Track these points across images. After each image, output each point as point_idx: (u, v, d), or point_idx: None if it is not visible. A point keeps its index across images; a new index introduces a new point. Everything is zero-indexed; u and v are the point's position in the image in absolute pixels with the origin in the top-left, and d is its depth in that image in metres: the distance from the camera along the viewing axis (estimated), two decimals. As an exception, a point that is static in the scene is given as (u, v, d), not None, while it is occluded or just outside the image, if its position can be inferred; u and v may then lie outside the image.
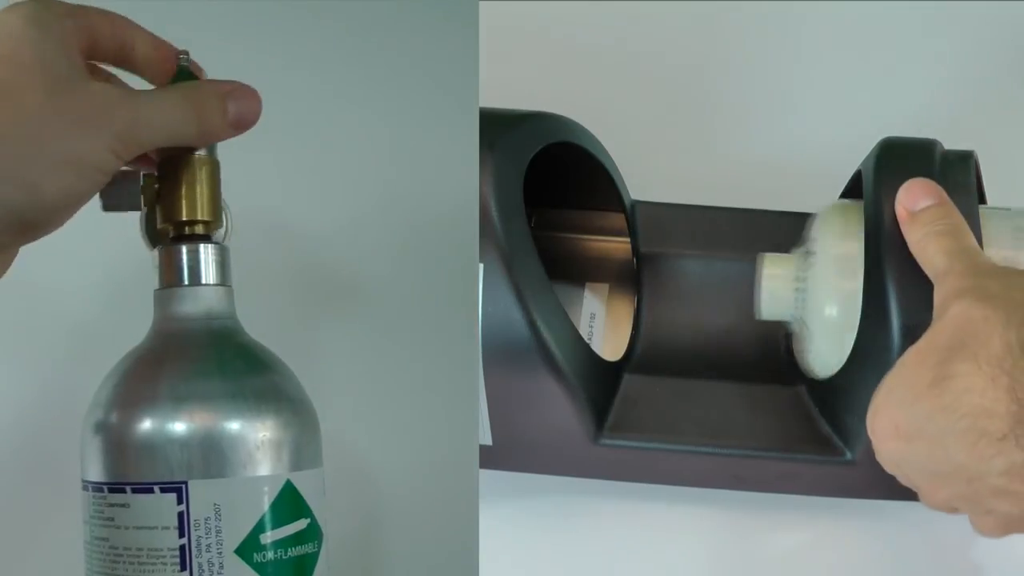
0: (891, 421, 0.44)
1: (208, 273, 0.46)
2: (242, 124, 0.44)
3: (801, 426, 0.55)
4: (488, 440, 0.55)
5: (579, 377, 0.53)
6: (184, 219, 0.46)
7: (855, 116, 0.73)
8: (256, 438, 0.44)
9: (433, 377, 0.62)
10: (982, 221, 0.51)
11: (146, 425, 0.43)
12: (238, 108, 0.44)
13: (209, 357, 0.45)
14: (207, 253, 0.46)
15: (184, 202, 0.45)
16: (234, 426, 0.44)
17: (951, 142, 0.54)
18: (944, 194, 0.50)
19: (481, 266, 0.51)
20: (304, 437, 0.46)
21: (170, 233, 0.46)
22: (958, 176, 0.51)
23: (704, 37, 0.80)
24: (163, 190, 0.45)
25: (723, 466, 0.55)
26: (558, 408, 0.53)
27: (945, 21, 0.78)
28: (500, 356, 0.52)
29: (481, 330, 0.52)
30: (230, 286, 0.47)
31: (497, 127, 0.54)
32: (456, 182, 0.57)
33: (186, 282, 0.46)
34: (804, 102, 0.76)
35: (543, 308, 0.52)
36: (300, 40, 0.63)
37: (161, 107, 0.42)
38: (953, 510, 0.46)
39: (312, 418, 0.48)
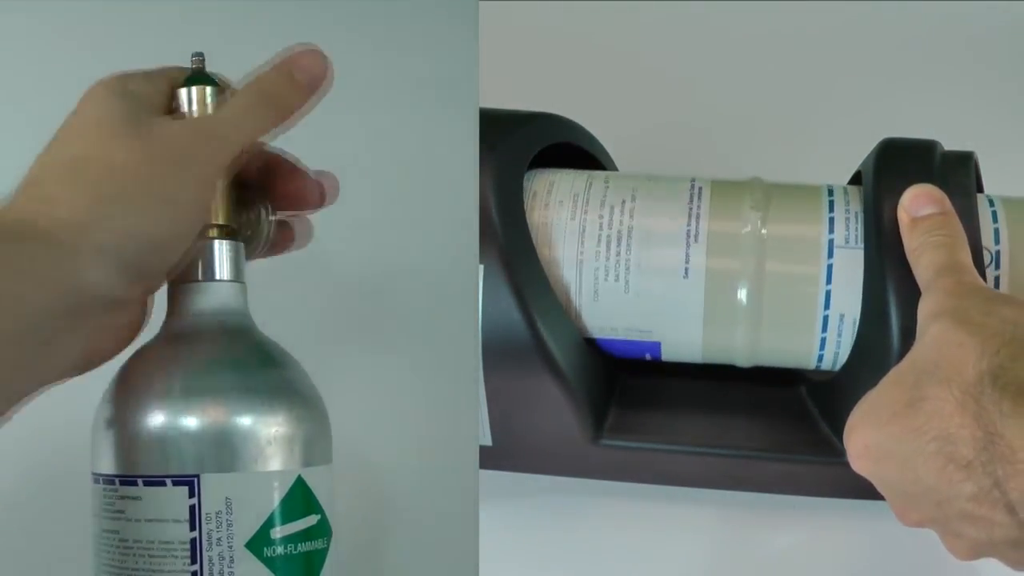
0: (862, 440, 0.45)
1: (222, 269, 0.47)
2: (314, 85, 0.45)
3: (801, 427, 0.56)
4: (488, 440, 0.55)
5: (579, 377, 0.53)
6: None
7: (855, 116, 0.73)
8: (268, 433, 0.44)
9: (433, 377, 0.62)
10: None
11: (159, 418, 0.43)
12: (305, 72, 0.45)
13: (222, 352, 0.45)
14: (221, 249, 0.46)
15: None
16: (246, 420, 0.44)
17: (951, 142, 0.54)
18: (948, 203, 0.50)
19: (481, 266, 0.51)
20: (315, 433, 0.46)
21: None
22: (958, 177, 0.51)
23: (704, 37, 0.80)
24: None
25: (723, 467, 0.55)
26: (558, 408, 0.53)
27: (945, 21, 0.79)
28: (500, 356, 0.52)
29: (481, 330, 0.52)
30: (243, 282, 0.48)
31: (497, 127, 0.54)
32: (456, 182, 0.57)
33: (199, 277, 0.46)
34: (804, 102, 0.76)
35: (543, 308, 0.52)
36: (299, 40, 0.63)
37: (240, 116, 0.44)
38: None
39: (323, 414, 0.48)
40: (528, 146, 0.55)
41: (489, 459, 0.56)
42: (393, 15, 0.64)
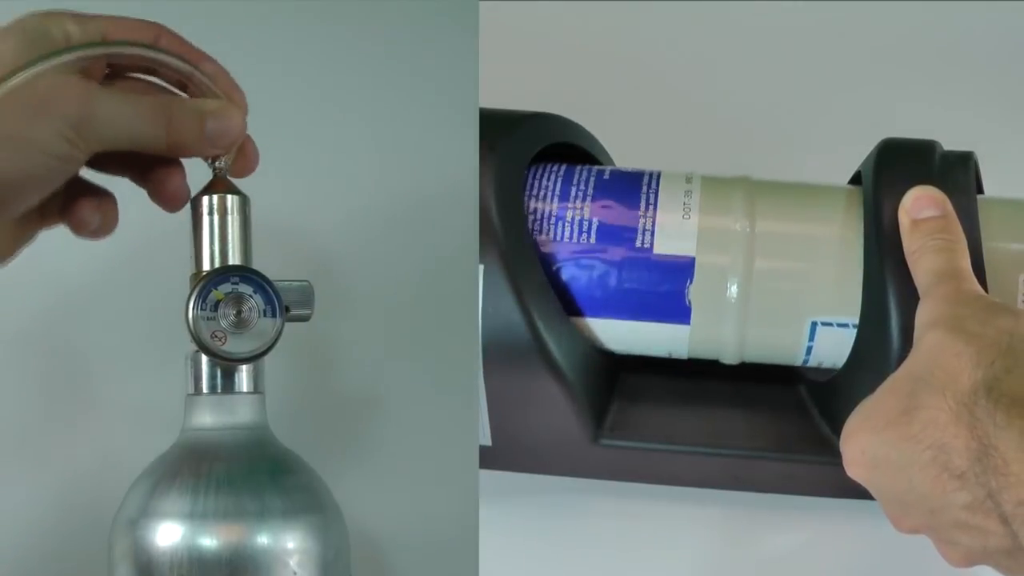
0: (858, 446, 0.45)
1: (240, 381, 0.46)
2: (220, 142, 0.45)
3: (801, 426, 0.56)
4: (488, 440, 0.55)
5: (579, 377, 0.53)
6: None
7: (855, 116, 0.73)
8: (285, 559, 0.44)
9: (433, 377, 0.62)
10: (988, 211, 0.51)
11: (175, 543, 0.43)
12: (217, 126, 0.44)
13: (239, 472, 0.45)
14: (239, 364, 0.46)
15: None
16: (263, 545, 0.44)
17: (951, 142, 0.54)
18: (950, 206, 0.50)
19: (481, 266, 0.51)
20: (332, 552, 0.46)
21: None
22: (957, 177, 0.51)
23: (704, 37, 0.80)
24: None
25: (723, 467, 0.55)
26: (558, 408, 0.53)
27: (945, 21, 0.79)
28: (500, 356, 0.52)
29: (481, 330, 0.52)
30: (262, 392, 0.47)
31: (497, 127, 0.54)
32: (456, 182, 0.57)
33: (218, 390, 0.46)
34: (804, 102, 0.76)
35: (543, 308, 0.52)
36: (300, 40, 0.63)
37: (128, 107, 0.43)
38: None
39: (342, 529, 0.47)
40: (528, 146, 0.55)
41: (489, 459, 0.56)
42: (393, 15, 0.63)
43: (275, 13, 0.63)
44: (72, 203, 0.46)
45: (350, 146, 0.63)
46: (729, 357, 0.55)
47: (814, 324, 0.53)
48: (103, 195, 0.47)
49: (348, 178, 0.63)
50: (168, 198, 0.46)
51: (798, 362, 0.55)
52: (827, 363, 0.54)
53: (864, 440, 0.44)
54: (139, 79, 0.46)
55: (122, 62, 0.45)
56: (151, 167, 0.46)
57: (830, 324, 0.53)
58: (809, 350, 0.54)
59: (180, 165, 0.46)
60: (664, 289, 0.53)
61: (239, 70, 0.47)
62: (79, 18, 0.44)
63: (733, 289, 0.52)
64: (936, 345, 0.43)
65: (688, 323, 0.54)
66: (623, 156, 0.60)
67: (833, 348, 0.53)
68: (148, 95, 0.44)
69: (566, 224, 0.54)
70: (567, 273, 0.53)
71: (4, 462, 0.60)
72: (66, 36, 0.43)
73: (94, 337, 0.61)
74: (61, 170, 0.42)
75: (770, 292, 0.52)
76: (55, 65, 0.42)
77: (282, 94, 0.62)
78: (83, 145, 0.42)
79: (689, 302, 0.53)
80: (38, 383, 0.61)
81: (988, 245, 0.50)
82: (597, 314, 0.54)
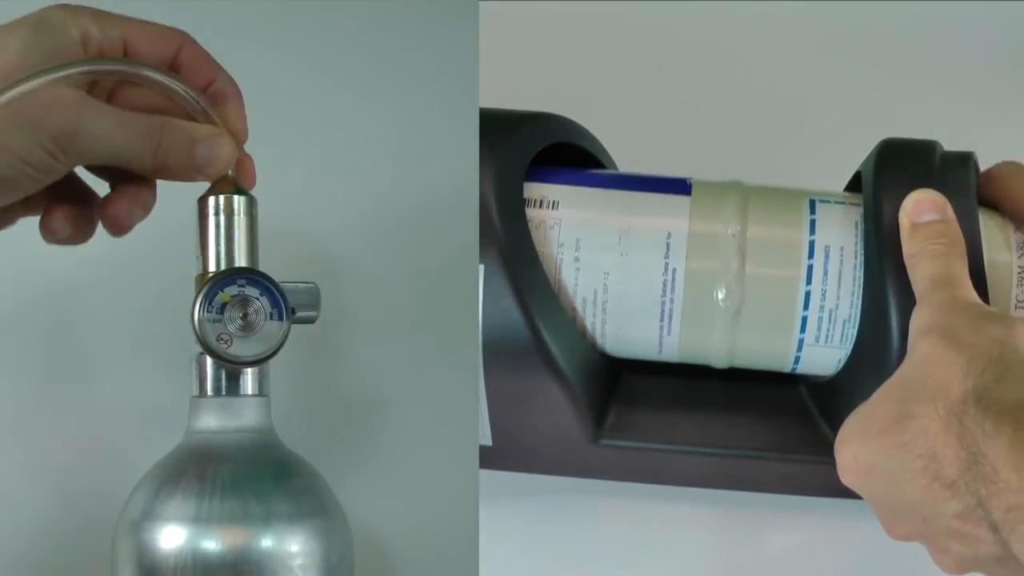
0: (851, 453, 0.45)
1: (246, 384, 0.46)
2: (207, 170, 0.45)
3: (801, 427, 0.56)
4: (488, 440, 0.56)
5: (579, 377, 0.53)
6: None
7: (855, 116, 0.73)
8: (289, 563, 0.44)
9: (433, 377, 0.62)
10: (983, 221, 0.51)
11: (180, 545, 0.43)
12: (207, 153, 0.44)
13: (245, 475, 0.45)
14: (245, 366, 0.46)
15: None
16: (268, 548, 0.44)
17: (951, 142, 0.54)
18: (950, 211, 0.50)
19: (481, 266, 0.51)
20: (336, 556, 0.46)
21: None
22: (958, 177, 0.51)
23: (704, 37, 0.80)
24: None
25: (723, 467, 0.55)
26: (558, 408, 0.53)
27: (945, 21, 0.79)
28: (500, 356, 0.52)
29: (481, 330, 0.52)
30: (267, 395, 0.47)
31: (497, 127, 0.54)
32: (456, 182, 0.57)
33: (223, 393, 0.46)
34: (804, 102, 0.76)
35: (543, 308, 0.52)
36: (300, 40, 0.63)
37: (118, 127, 0.43)
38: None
39: (346, 533, 0.47)
40: (528, 146, 0.54)
41: (489, 459, 0.56)
42: (393, 15, 0.64)
43: (275, 13, 0.63)
44: (49, 207, 0.46)
45: (350, 146, 0.63)
46: (718, 362, 0.55)
47: (804, 326, 0.53)
48: (83, 202, 0.46)
49: (348, 179, 0.63)
50: (112, 221, 0.45)
51: (787, 369, 0.55)
52: (817, 371, 0.55)
53: (857, 447, 0.45)
54: (141, 89, 0.46)
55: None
56: (125, 177, 0.45)
57: None
58: (798, 358, 0.54)
59: (151, 185, 0.46)
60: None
61: (239, 71, 0.47)
62: (101, 18, 0.43)
63: (722, 294, 0.52)
64: (928, 353, 0.43)
65: (688, 195, 0.54)
66: (623, 156, 0.60)
67: (823, 356, 0.53)
68: (142, 114, 0.44)
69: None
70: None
71: (7, 463, 0.60)
72: (84, 36, 0.43)
73: (96, 338, 0.61)
74: (39, 178, 0.42)
75: (760, 298, 0.52)
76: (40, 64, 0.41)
77: (282, 94, 0.62)
78: (64, 159, 0.42)
79: (690, 183, 0.54)
80: (40, 384, 0.61)
81: (988, 254, 0.50)
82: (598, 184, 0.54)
